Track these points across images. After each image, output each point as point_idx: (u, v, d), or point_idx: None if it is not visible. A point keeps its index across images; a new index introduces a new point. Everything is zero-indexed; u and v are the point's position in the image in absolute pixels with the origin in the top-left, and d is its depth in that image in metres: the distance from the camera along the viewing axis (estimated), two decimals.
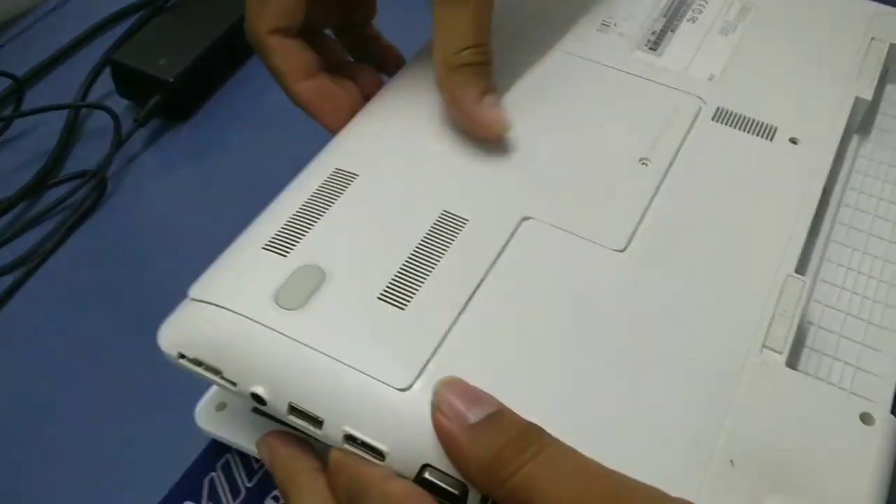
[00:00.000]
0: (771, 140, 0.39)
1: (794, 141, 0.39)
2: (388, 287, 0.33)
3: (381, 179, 0.37)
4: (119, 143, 0.55)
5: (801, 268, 0.36)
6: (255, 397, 0.31)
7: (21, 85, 0.58)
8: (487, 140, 0.38)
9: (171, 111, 0.58)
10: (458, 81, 0.37)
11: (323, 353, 0.31)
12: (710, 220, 0.37)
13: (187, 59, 0.57)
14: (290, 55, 0.40)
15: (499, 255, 0.34)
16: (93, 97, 0.59)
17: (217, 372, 0.32)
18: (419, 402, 0.30)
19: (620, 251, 0.35)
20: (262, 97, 0.59)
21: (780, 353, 0.33)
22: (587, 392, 0.31)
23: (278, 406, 0.31)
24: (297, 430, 0.32)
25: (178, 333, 0.32)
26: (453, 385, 0.30)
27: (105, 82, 0.59)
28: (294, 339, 0.31)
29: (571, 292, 0.34)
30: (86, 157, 0.56)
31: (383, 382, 0.30)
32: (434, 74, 0.38)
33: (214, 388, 0.38)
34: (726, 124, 0.40)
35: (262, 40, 0.40)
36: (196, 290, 0.33)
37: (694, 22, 0.45)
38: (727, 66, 0.43)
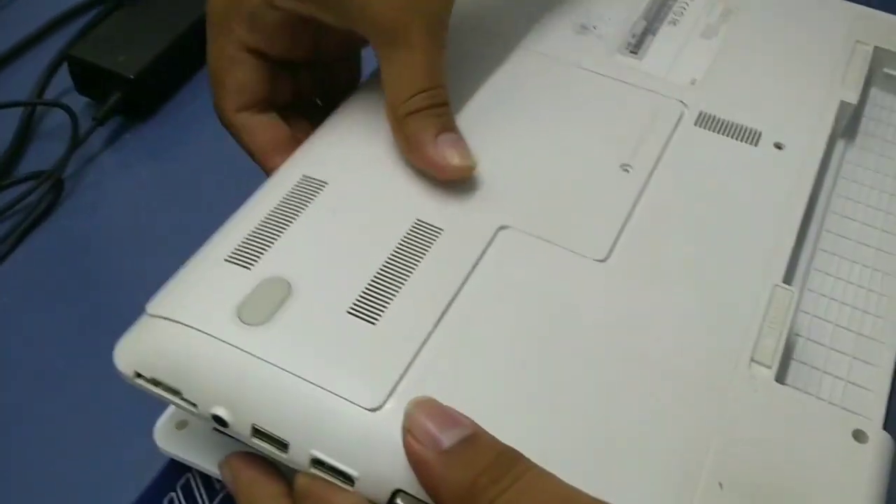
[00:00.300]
0: (755, 145, 0.38)
1: (778, 146, 0.38)
2: (358, 300, 0.31)
3: (351, 187, 0.35)
4: (77, 142, 0.52)
5: (787, 277, 0.34)
6: (217, 419, 0.29)
7: None
8: (450, 182, 0.35)
9: (132, 109, 0.55)
10: (411, 128, 0.35)
11: (288, 372, 0.29)
12: (693, 228, 0.35)
13: (149, 55, 0.55)
14: (257, 133, 0.39)
15: (474, 267, 0.33)
16: (50, 94, 0.56)
17: (176, 392, 0.30)
18: (391, 423, 0.28)
19: (601, 261, 0.33)
20: None
21: (769, 367, 0.31)
22: (567, 412, 0.29)
23: (241, 429, 0.29)
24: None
25: (134, 351, 0.30)
26: (425, 406, 0.28)
27: (63, 79, 0.56)
28: (257, 357, 0.29)
29: (550, 305, 0.32)
30: (42, 157, 0.53)
31: (352, 402, 0.28)
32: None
33: None
34: (709, 129, 0.38)
35: (228, 120, 0.39)
36: (154, 306, 0.31)
37: (675, 25, 0.43)
38: (709, 69, 0.41)
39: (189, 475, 0.38)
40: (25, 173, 0.52)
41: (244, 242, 0.32)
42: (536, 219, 0.34)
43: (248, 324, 0.30)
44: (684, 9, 0.44)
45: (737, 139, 0.38)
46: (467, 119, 0.38)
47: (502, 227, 0.34)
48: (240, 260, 0.32)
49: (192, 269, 0.32)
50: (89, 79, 0.55)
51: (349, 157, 0.36)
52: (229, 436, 0.30)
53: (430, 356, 0.30)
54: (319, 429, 0.28)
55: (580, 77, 0.40)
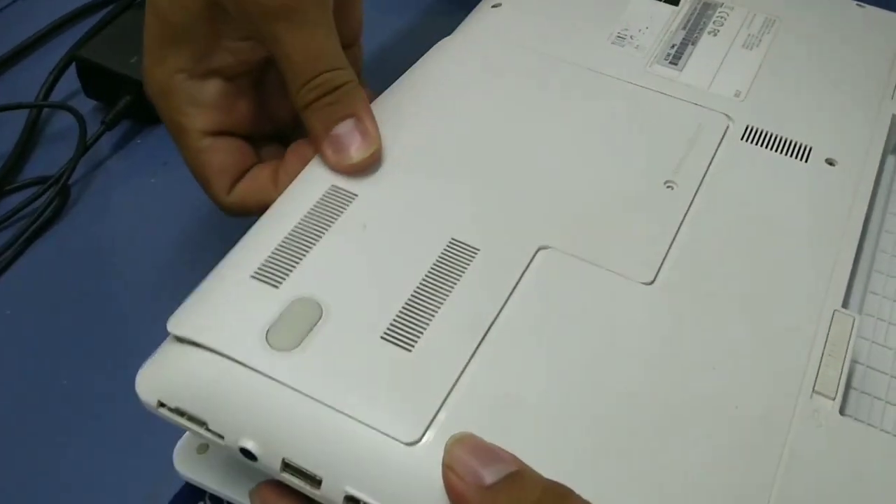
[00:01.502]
0: (806, 161, 0.35)
1: (830, 162, 0.35)
2: (392, 325, 0.28)
3: (382, 201, 0.32)
4: (84, 146, 0.49)
5: (844, 301, 0.32)
6: (245, 452, 0.26)
7: None
8: (355, 173, 0.33)
9: (142, 113, 0.52)
10: (308, 124, 0.33)
11: (321, 402, 0.26)
12: (743, 248, 0.32)
13: None
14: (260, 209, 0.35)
15: (514, 290, 0.30)
16: (57, 96, 0.53)
17: (201, 423, 0.27)
18: (429, 459, 0.25)
19: (648, 284, 0.31)
20: None
21: (832, 398, 0.29)
22: (618, 446, 0.27)
23: (270, 462, 0.26)
24: None
25: (157, 379, 0.27)
26: (466, 441, 0.26)
27: (70, 81, 0.53)
28: (288, 386, 0.26)
29: (596, 332, 0.29)
30: (47, 161, 0.50)
31: (389, 436, 0.26)
32: None
33: None
34: (757, 144, 0.36)
35: (225, 205, 0.36)
36: (175, 324, 0.28)
37: (716, 35, 0.41)
38: (754, 81, 0.38)
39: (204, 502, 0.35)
40: (30, 178, 0.48)
41: (271, 258, 0.30)
42: (577, 238, 0.32)
43: (278, 349, 0.27)
44: (724, 18, 0.41)
45: (786, 155, 0.35)
46: (503, 132, 0.35)
47: (542, 248, 0.31)
48: (267, 277, 0.29)
49: (215, 285, 0.30)
50: (97, 81, 0.52)
51: (381, 168, 0.33)
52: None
53: (470, 386, 0.27)
54: (354, 464, 0.26)
55: (619, 90, 0.38)
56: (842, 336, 0.30)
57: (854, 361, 0.31)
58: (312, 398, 0.26)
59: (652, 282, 0.31)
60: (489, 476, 0.24)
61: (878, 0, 0.43)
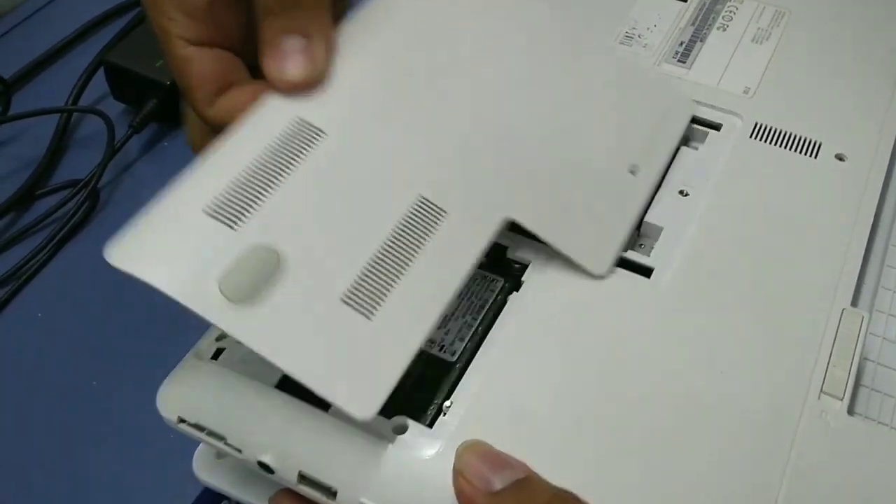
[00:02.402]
0: (815, 157, 0.34)
1: (840, 158, 0.34)
2: (354, 288, 0.26)
3: (352, 144, 0.29)
4: (113, 150, 0.49)
5: (854, 298, 0.31)
6: (263, 466, 0.26)
7: (8, 87, 0.52)
8: (287, 89, 0.29)
9: (169, 116, 0.52)
10: (262, 27, 0.30)
11: (275, 364, 0.24)
12: (752, 247, 0.32)
13: None
14: (205, 65, 0.32)
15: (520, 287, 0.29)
16: (85, 101, 0.53)
17: (221, 438, 0.27)
18: (442, 470, 0.25)
19: (600, 277, 0.30)
20: None
21: (841, 399, 0.28)
22: (624, 450, 0.26)
23: (287, 475, 0.26)
24: None
25: (177, 396, 0.28)
26: (477, 448, 0.25)
27: (99, 85, 0.53)
28: (237, 337, 0.24)
29: (602, 334, 0.29)
30: (77, 165, 0.50)
31: (342, 407, 0.24)
32: None
33: None
34: (766, 141, 0.35)
35: (207, 115, 0.32)
36: (113, 253, 0.25)
37: (724, 30, 0.39)
38: (763, 77, 0.37)
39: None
40: (61, 182, 0.49)
41: (229, 194, 0.26)
42: (543, 216, 0.30)
43: (231, 299, 0.24)
44: (733, 13, 0.40)
45: (795, 151, 0.34)
46: (488, 90, 0.32)
47: (508, 220, 0.29)
48: (223, 215, 0.25)
49: (161, 214, 0.26)
50: (125, 85, 0.52)
51: (351, 106, 0.29)
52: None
53: (476, 395, 0.27)
54: (368, 475, 0.26)
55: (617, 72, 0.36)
56: (850, 335, 0.29)
57: (864, 358, 0.31)
58: (262, 355, 0.24)
59: (604, 275, 0.30)
60: (498, 482, 0.24)
61: None
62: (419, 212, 0.28)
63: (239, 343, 0.24)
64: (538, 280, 0.30)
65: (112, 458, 0.38)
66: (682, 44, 0.39)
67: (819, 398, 0.28)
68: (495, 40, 0.33)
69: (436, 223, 0.28)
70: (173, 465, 0.34)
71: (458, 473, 0.25)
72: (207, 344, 0.29)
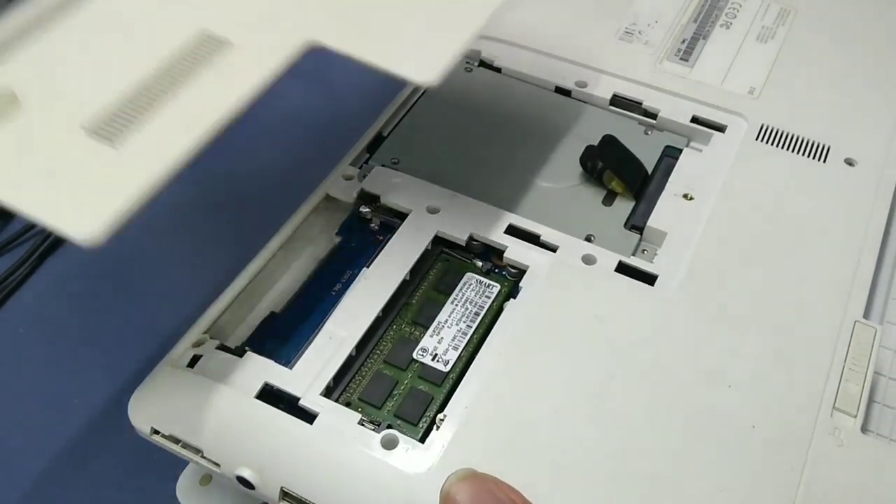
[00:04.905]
0: (824, 161, 0.33)
1: (850, 162, 0.33)
2: (102, 116, 0.23)
3: None
4: None
5: (866, 310, 0.30)
6: (242, 481, 0.25)
7: None
8: None
9: None
10: None
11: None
12: (761, 256, 0.30)
13: None
14: None
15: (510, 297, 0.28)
16: None
17: (197, 451, 0.26)
18: (429, 490, 0.24)
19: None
20: (257, 105, 0.52)
21: (854, 416, 0.27)
22: (626, 468, 0.25)
23: (268, 491, 0.25)
24: None
25: (150, 405, 0.26)
26: (467, 484, 0.23)
27: None
28: None
29: (608, 345, 0.28)
30: None
31: (63, 232, 0.22)
32: None
33: None
34: (772, 144, 0.34)
35: None
36: None
37: (728, 28, 0.39)
38: (768, 77, 0.36)
39: None
40: None
41: None
42: (363, 38, 0.26)
43: None
44: (737, 10, 0.39)
45: (803, 155, 0.33)
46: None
47: (310, 42, 0.26)
48: None
49: None
50: None
51: None
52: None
53: (463, 405, 0.26)
54: (355, 493, 0.24)
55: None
56: (863, 349, 0.28)
57: (877, 373, 0.30)
58: None
59: (433, 84, 0.25)
60: None
61: None
62: (198, 44, 0.25)
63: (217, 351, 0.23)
64: (536, 286, 0.29)
65: (91, 478, 0.37)
66: (684, 41, 0.38)
67: (832, 415, 0.27)
68: None
69: (217, 54, 0.25)
70: (155, 490, 0.32)
71: None
72: (182, 350, 0.27)
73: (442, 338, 0.28)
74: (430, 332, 0.28)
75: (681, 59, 0.37)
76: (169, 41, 0.25)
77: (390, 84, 0.34)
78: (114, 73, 0.24)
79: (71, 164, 0.23)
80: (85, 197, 0.22)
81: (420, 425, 0.26)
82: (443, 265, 0.30)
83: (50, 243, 0.45)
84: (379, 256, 0.30)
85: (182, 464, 0.32)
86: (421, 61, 0.25)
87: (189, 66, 0.25)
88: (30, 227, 0.45)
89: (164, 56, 0.25)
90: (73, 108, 0.24)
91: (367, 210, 0.32)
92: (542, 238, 0.30)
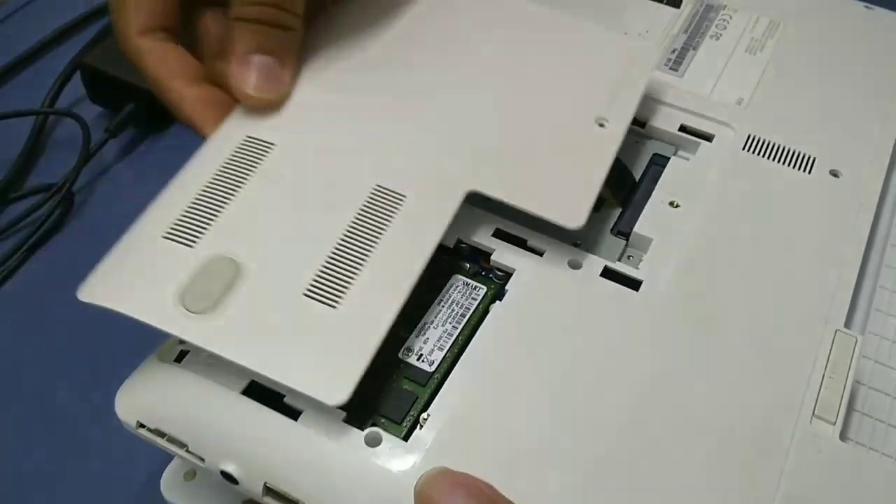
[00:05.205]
0: (809, 172, 0.34)
1: (835, 174, 0.34)
2: (315, 280, 0.26)
3: (301, 150, 0.30)
4: (88, 154, 0.48)
5: (847, 320, 0.30)
6: (226, 476, 0.25)
7: None
8: (246, 106, 0.31)
9: (147, 120, 0.51)
10: (233, 35, 0.31)
11: (240, 365, 0.25)
12: (744, 264, 0.31)
13: None
14: (162, 58, 0.32)
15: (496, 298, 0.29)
16: (62, 103, 0.52)
17: (182, 445, 0.26)
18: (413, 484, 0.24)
19: (577, 229, 0.29)
20: None
21: (833, 423, 0.27)
22: (606, 471, 0.25)
23: (252, 486, 0.25)
24: None
25: (136, 399, 0.26)
26: (438, 481, 0.23)
27: (75, 88, 0.52)
28: (204, 347, 0.25)
29: (585, 348, 0.28)
30: (52, 168, 0.49)
31: (314, 396, 0.24)
32: None
33: None
34: (759, 154, 0.34)
35: (128, 44, 0.32)
36: (85, 292, 0.27)
37: (718, 39, 0.39)
38: (756, 88, 0.37)
39: None
40: (34, 186, 0.48)
41: (184, 217, 0.28)
42: (507, 181, 0.30)
43: (193, 311, 0.26)
44: (727, 22, 0.40)
45: (789, 165, 0.34)
46: (455, 104, 0.33)
47: (471, 192, 0.29)
48: (179, 236, 0.27)
49: (124, 249, 0.28)
50: (103, 88, 0.51)
51: (298, 116, 0.31)
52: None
53: (447, 405, 0.26)
54: (338, 489, 0.25)
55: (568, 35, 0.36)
56: (843, 358, 0.28)
57: (857, 382, 0.30)
58: (230, 359, 0.25)
59: (579, 228, 0.29)
60: None
61: (888, 1, 0.42)
62: (377, 200, 0.29)
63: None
64: (522, 289, 0.29)
65: (76, 473, 0.37)
66: (674, 51, 0.38)
67: (811, 422, 0.27)
68: (437, 24, 0.34)
69: (395, 208, 0.28)
70: (141, 484, 0.32)
71: None
72: (170, 346, 0.28)
73: (427, 338, 0.28)
74: (415, 332, 0.29)
75: (670, 68, 0.37)
76: (351, 198, 0.29)
77: None
78: (315, 235, 0.28)
79: (303, 328, 0.26)
80: (327, 361, 0.25)
81: (404, 424, 0.26)
82: (430, 267, 0.31)
83: (40, 236, 0.45)
84: None
85: (168, 458, 0.32)
86: (567, 208, 0.29)
87: (375, 221, 0.28)
88: (22, 218, 0.46)
89: (350, 213, 0.28)
90: (288, 272, 0.27)
91: None
92: (529, 242, 0.31)
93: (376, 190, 0.29)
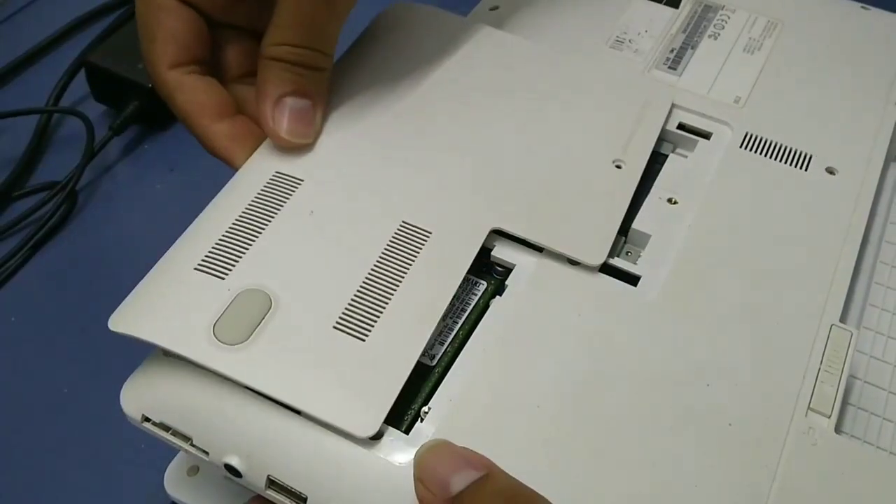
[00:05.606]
0: (805, 169, 0.34)
1: (831, 171, 0.34)
2: (345, 314, 0.27)
3: (329, 186, 0.31)
4: (92, 152, 0.49)
5: (843, 315, 0.30)
6: (230, 469, 0.26)
7: None
8: (279, 147, 0.32)
9: (150, 119, 0.52)
10: (265, 75, 0.31)
11: (273, 397, 0.25)
12: (741, 258, 0.31)
13: None
14: (191, 93, 0.33)
15: (498, 294, 0.29)
16: (66, 102, 0.53)
17: (186, 438, 0.26)
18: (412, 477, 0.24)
19: (595, 269, 0.30)
20: None
21: (828, 416, 0.28)
22: (608, 463, 0.26)
23: (255, 479, 0.25)
24: None
25: (142, 393, 0.27)
26: (436, 449, 0.24)
27: (80, 86, 0.52)
28: (235, 380, 0.26)
29: (588, 345, 0.28)
30: (56, 166, 0.49)
31: (345, 431, 0.25)
32: None
33: None
34: (756, 152, 0.34)
35: (158, 77, 0.33)
36: (116, 321, 0.27)
37: (716, 39, 0.39)
38: (754, 87, 0.37)
39: None
40: (39, 183, 0.48)
41: (215, 249, 0.28)
42: (531, 220, 0.31)
43: (226, 343, 0.26)
44: (725, 22, 0.40)
45: (786, 163, 0.34)
46: (455, 114, 0.34)
47: (495, 230, 0.30)
48: (211, 269, 0.28)
49: (157, 280, 0.28)
50: (107, 86, 0.51)
51: (326, 151, 0.32)
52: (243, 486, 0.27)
53: (453, 401, 0.27)
54: (339, 481, 0.25)
55: (587, 76, 0.36)
56: (839, 352, 0.29)
57: (852, 376, 0.30)
58: (262, 392, 0.25)
59: (600, 266, 0.30)
60: (456, 484, 0.23)
61: (885, 1, 0.42)
62: (403, 236, 0.29)
63: None
64: (522, 285, 0.30)
65: (80, 469, 0.37)
66: (672, 50, 0.38)
67: (806, 415, 0.27)
68: (463, 68, 0.36)
69: (421, 244, 0.29)
70: (143, 480, 0.33)
71: (417, 481, 0.24)
72: None
73: None
74: None
75: (669, 67, 0.38)
76: (379, 233, 0.29)
77: None
78: (344, 269, 0.28)
79: (333, 361, 0.26)
80: (356, 393, 0.26)
81: (405, 417, 0.27)
82: None
83: (44, 233, 0.46)
84: None
85: (170, 454, 0.33)
86: (587, 246, 0.30)
87: (401, 256, 0.29)
88: (27, 216, 0.46)
89: (377, 248, 0.29)
90: (318, 305, 0.27)
91: None
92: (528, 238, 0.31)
93: (403, 226, 0.30)
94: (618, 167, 0.33)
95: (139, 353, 0.28)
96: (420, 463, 0.24)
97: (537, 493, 0.23)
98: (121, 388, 0.27)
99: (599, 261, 0.30)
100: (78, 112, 0.50)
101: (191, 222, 0.46)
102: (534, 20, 0.39)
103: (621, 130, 0.34)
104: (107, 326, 0.41)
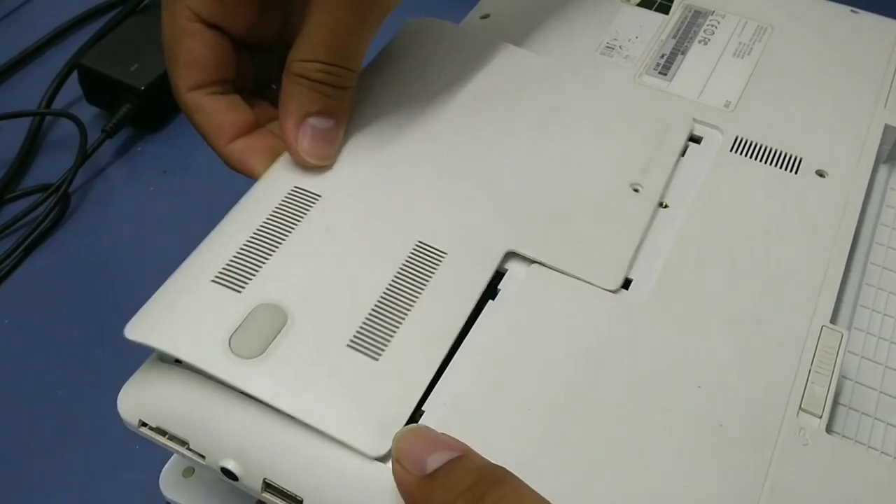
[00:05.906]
0: (795, 172, 0.34)
1: (821, 174, 0.34)
2: (359, 332, 0.27)
3: (346, 203, 0.31)
4: (84, 154, 0.49)
5: (833, 316, 0.31)
6: (226, 472, 0.26)
7: None
8: (300, 165, 0.32)
9: (143, 121, 0.52)
10: (290, 90, 0.31)
11: (285, 413, 0.25)
12: (732, 263, 0.31)
13: (160, 65, 0.50)
14: (213, 115, 0.33)
15: (490, 301, 0.29)
16: (59, 104, 0.53)
17: (183, 443, 0.26)
18: None
19: (614, 292, 0.30)
20: None
21: (819, 416, 0.28)
22: (598, 464, 0.26)
23: (251, 483, 0.26)
24: None
25: (138, 398, 0.27)
26: (414, 432, 0.25)
27: (72, 88, 0.52)
28: (247, 393, 0.26)
29: (579, 346, 0.28)
30: (48, 169, 0.49)
31: (354, 448, 0.25)
32: None
33: None
34: (746, 155, 0.35)
35: (181, 99, 0.33)
36: (133, 329, 0.27)
37: (706, 44, 0.40)
38: (744, 91, 0.37)
39: None
40: (31, 186, 0.48)
41: (233, 262, 0.29)
42: (547, 243, 0.31)
43: (241, 356, 0.26)
44: (715, 27, 0.40)
45: (776, 166, 0.34)
46: (473, 133, 0.34)
47: (510, 253, 0.30)
48: (228, 281, 0.28)
49: (174, 290, 0.28)
50: (99, 89, 0.51)
51: (344, 168, 0.32)
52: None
53: (440, 400, 0.27)
54: (335, 484, 0.25)
55: (607, 96, 0.37)
56: (830, 352, 0.29)
57: (843, 377, 0.31)
58: (274, 407, 0.25)
59: (618, 290, 0.30)
60: (432, 463, 0.24)
61: (875, 5, 0.42)
62: (418, 256, 0.30)
63: None
64: (515, 289, 0.30)
65: (75, 471, 0.37)
66: (663, 56, 0.39)
67: (798, 415, 0.28)
68: (482, 85, 0.36)
69: (436, 264, 0.29)
70: (139, 482, 0.33)
71: (395, 462, 0.24)
72: None
73: None
74: None
75: (659, 73, 0.38)
76: (394, 252, 0.29)
77: None
78: (359, 287, 0.28)
79: (346, 379, 0.26)
80: (367, 412, 0.26)
81: None
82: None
83: (37, 236, 0.46)
84: None
85: (166, 456, 0.33)
86: (602, 270, 0.30)
87: (416, 276, 0.29)
88: (19, 218, 0.46)
89: (393, 267, 0.29)
90: (333, 322, 0.27)
91: None
92: None
93: (418, 246, 0.30)
94: (635, 191, 0.33)
95: (132, 355, 0.28)
96: (398, 444, 0.24)
97: (509, 472, 0.24)
98: (115, 388, 0.27)
99: (615, 286, 0.30)
100: (70, 114, 0.50)
101: (184, 223, 0.46)
102: (524, 28, 0.40)
103: (641, 153, 0.34)
104: (101, 328, 0.41)
